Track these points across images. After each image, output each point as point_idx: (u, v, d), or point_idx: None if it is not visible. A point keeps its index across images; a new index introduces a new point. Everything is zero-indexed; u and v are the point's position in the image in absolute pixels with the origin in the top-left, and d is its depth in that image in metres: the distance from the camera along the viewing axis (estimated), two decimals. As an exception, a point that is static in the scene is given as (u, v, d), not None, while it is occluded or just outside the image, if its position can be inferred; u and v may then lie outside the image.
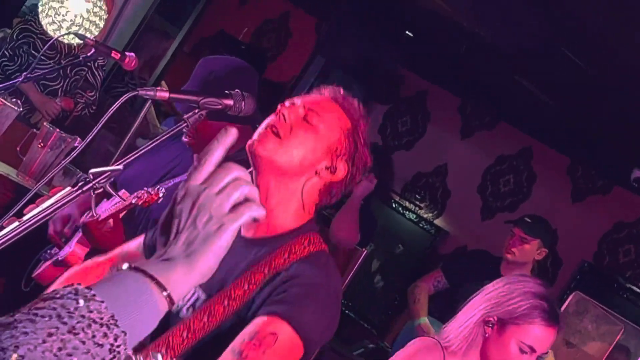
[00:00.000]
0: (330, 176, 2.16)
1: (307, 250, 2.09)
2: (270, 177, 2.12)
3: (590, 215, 6.95)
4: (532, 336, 2.90)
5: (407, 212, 7.65)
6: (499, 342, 2.95)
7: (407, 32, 6.83)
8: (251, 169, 2.15)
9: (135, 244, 2.41)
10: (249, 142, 2.13)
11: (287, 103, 2.20)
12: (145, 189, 2.46)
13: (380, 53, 7.96)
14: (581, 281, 6.52)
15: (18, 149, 4.06)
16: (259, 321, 1.98)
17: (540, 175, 7.33)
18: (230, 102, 2.30)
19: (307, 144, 2.13)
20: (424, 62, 7.75)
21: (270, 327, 1.96)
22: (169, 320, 2.08)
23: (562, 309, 4.56)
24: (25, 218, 2.01)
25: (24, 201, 2.23)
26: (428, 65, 7.82)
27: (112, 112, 2.16)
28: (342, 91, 2.24)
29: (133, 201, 2.48)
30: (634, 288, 6.53)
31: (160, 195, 2.40)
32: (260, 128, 2.15)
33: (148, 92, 2.21)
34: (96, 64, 5.44)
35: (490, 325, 2.98)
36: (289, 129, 2.12)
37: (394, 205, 7.70)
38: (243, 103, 2.32)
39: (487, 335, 2.98)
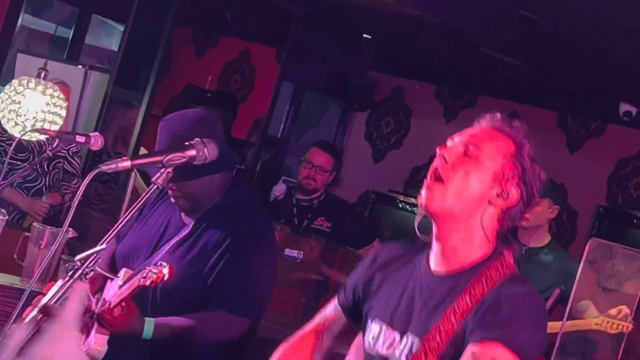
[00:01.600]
0: (504, 202, 2.15)
1: (503, 273, 2.12)
2: (448, 223, 2.15)
3: (592, 160, 6.94)
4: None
5: (415, 208, 7.63)
6: None
7: (364, 35, 6.84)
8: None
9: (330, 307, 2.47)
10: (419, 200, 2.18)
11: (448, 143, 2.22)
12: (148, 268, 2.45)
13: (345, 63, 7.99)
14: (601, 226, 6.48)
15: (15, 256, 4.05)
16: (475, 349, 2.00)
17: (532, 136, 7.30)
18: (192, 152, 2.30)
19: (472, 178, 2.14)
20: (390, 60, 7.76)
21: (489, 353, 1.98)
22: None
23: (583, 259, 4.53)
24: (27, 320, 2.00)
25: (22, 303, 2.22)
26: (395, 62, 7.84)
27: (80, 193, 2.16)
28: (499, 116, 2.25)
29: (141, 283, 2.47)
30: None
31: (165, 272, 2.39)
32: (427, 177, 2.18)
33: (110, 166, 2.21)
34: (70, 152, 5.44)
35: None
36: (450, 170, 2.15)
37: (400, 206, 7.68)
38: (205, 150, 2.32)
39: None
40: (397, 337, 2.19)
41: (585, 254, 4.51)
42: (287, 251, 5.35)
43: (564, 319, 4.71)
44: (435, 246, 2.21)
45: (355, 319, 2.40)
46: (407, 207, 7.66)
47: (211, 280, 2.94)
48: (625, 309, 4.64)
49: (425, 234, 2.23)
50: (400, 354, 2.16)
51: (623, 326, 4.64)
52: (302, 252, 5.42)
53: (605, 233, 5.91)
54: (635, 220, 6.49)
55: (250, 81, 8.67)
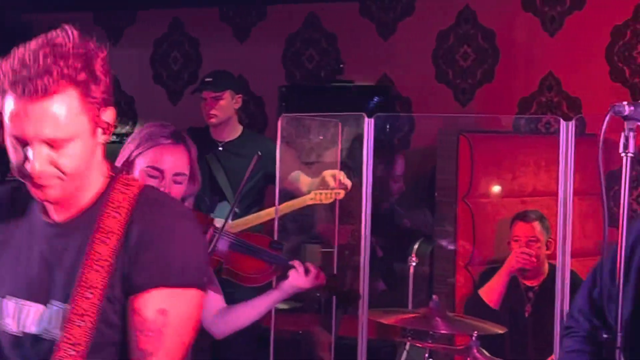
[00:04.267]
0: (110, 129, 1.95)
1: (132, 193, 1.98)
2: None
3: (262, 44, 7.00)
4: (154, 157, 2.87)
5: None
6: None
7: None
8: None
9: None
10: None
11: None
12: None
13: None
14: (288, 105, 6.55)
15: None
16: (136, 304, 1.91)
17: (200, 35, 7.26)
18: None
19: (77, 150, 1.88)
20: None
21: (154, 304, 1.91)
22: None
23: (278, 138, 4.57)
24: None
25: None
26: None
27: None
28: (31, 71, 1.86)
29: None
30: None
31: None
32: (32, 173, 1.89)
33: None
34: None
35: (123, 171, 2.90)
36: (48, 175, 1.88)
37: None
38: None
39: None
40: (42, 309, 1.96)
41: (279, 131, 4.57)
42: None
43: (276, 202, 4.79)
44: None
45: None
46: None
47: None
48: (339, 173, 4.77)
49: None
50: (52, 326, 1.94)
51: (336, 194, 4.79)
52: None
53: (293, 111, 5.96)
54: (318, 92, 6.65)
55: None
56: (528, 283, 4.81)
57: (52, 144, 1.85)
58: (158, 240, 1.90)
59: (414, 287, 4.62)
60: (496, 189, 5.31)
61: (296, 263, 3.39)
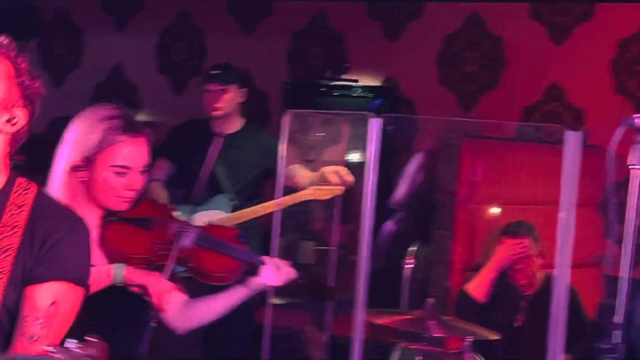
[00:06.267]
0: (14, 127, 2.10)
1: (31, 193, 2.14)
2: None
3: (268, 39, 7.00)
4: (119, 155, 2.84)
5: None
6: (96, 179, 2.85)
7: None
8: None
9: None
10: None
11: None
12: None
13: None
14: (291, 101, 6.55)
15: None
16: (33, 293, 2.07)
17: (206, 26, 7.26)
18: None
19: None
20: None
21: (48, 292, 2.08)
22: None
23: (283, 134, 4.54)
24: None
25: None
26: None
27: None
28: None
29: None
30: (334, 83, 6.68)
31: None
32: None
33: None
34: None
35: (81, 169, 2.86)
36: None
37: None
38: None
39: (84, 180, 2.87)
40: None
41: (284, 127, 4.54)
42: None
43: (277, 197, 4.75)
44: None
45: None
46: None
47: None
48: (342, 170, 4.69)
49: None
50: None
51: (335, 191, 4.72)
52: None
53: (296, 108, 5.94)
54: (321, 89, 6.65)
55: None
56: (522, 291, 4.77)
57: None
58: (59, 239, 2.08)
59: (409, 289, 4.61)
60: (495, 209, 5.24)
61: (266, 259, 3.21)
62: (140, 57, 7.39)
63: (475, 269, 5.01)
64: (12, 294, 2.05)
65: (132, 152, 2.86)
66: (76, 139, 2.87)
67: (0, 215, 2.09)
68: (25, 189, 2.14)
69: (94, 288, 2.66)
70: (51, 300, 2.05)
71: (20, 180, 2.15)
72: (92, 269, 2.60)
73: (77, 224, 2.17)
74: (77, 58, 7.71)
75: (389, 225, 5.60)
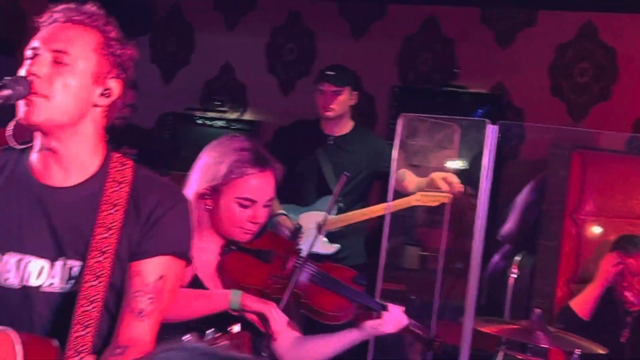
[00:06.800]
0: (109, 99, 2.10)
1: (129, 170, 2.15)
2: (57, 134, 2.06)
3: (378, 42, 7.01)
4: (245, 188, 2.88)
5: (215, 122, 7.51)
6: (222, 209, 2.90)
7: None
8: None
9: None
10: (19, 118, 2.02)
11: (28, 52, 2.06)
12: None
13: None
14: (399, 105, 6.58)
15: None
16: (142, 267, 2.10)
17: (317, 30, 7.30)
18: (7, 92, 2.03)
19: (72, 88, 2.03)
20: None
21: (158, 268, 2.11)
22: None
23: (397, 137, 4.57)
24: None
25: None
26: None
27: None
28: (72, 5, 2.12)
29: None
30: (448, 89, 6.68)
31: None
32: (20, 101, 2.02)
33: None
34: None
35: (207, 197, 2.92)
36: (47, 84, 2.02)
37: (200, 122, 7.54)
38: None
39: (209, 208, 2.92)
40: (47, 264, 2.09)
41: (398, 130, 4.57)
42: None
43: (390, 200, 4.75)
44: (43, 158, 2.12)
45: None
46: (207, 121, 7.54)
47: None
48: (452, 177, 4.68)
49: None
50: (57, 281, 2.08)
51: (443, 198, 4.71)
52: None
53: (404, 112, 5.95)
54: (429, 95, 6.66)
55: None
56: (628, 307, 4.69)
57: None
58: (164, 213, 2.11)
59: (512, 299, 4.58)
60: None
61: (390, 306, 3.14)
62: (250, 56, 7.49)
63: (581, 281, 4.96)
64: (118, 271, 2.07)
65: (259, 186, 2.91)
66: (205, 167, 2.93)
67: (102, 192, 2.09)
68: (123, 164, 2.15)
69: (209, 311, 2.74)
70: (159, 275, 2.07)
71: (116, 155, 2.17)
72: (210, 293, 2.69)
73: (179, 197, 2.20)
74: (187, 55, 7.85)
75: (496, 259, 5.58)
